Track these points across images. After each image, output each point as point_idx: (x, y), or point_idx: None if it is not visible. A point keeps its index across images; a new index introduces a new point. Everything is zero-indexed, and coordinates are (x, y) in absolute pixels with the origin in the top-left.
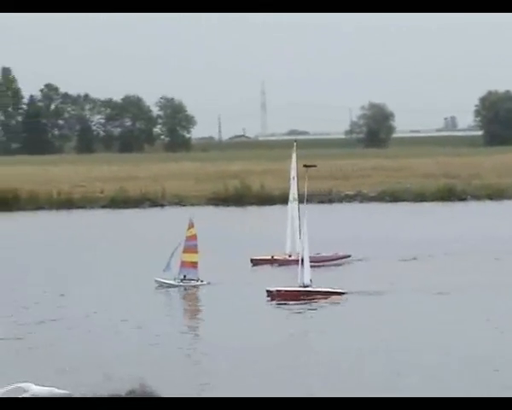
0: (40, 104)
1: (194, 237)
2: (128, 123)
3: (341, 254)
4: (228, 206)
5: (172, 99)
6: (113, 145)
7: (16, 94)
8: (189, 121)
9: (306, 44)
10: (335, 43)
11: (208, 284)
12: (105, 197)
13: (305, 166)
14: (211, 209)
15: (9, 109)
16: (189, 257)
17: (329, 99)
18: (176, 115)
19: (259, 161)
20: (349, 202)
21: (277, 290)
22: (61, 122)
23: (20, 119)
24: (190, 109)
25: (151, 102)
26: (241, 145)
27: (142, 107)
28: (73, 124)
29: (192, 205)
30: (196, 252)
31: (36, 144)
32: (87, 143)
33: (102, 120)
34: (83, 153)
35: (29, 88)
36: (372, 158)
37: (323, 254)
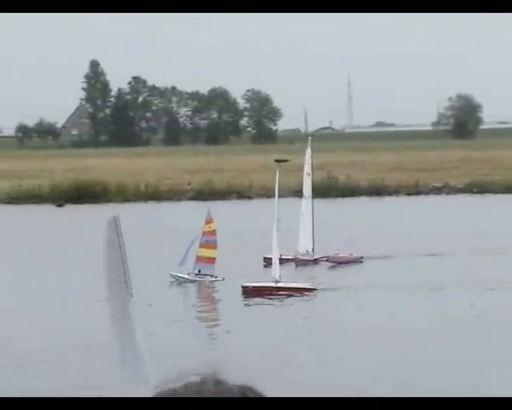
0: (128, 97)
1: (213, 232)
2: (214, 115)
3: (356, 255)
4: (313, 198)
5: (259, 91)
6: (200, 137)
7: (105, 87)
8: (275, 114)
9: (391, 38)
10: (422, 36)
11: (223, 280)
12: (192, 189)
13: (277, 160)
14: (296, 201)
15: (98, 102)
16: (207, 252)
17: (416, 91)
18: (262, 108)
19: (346, 153)
20: (436, 194)
21: (253, 286)
22: (148, 115)
23: (108, 111)
24: (277, 102)
25: (237, 94)
26: (327, 137)
27: (228, 99)
28: (161, 116)
29: (278, 197)
30: (215, 248)
31: (124, 137)
32: (174, 135)
33: (189, 113)
34: (170, 145)
35: (117, 81)
36: (459, 150)
37: (341, 255)
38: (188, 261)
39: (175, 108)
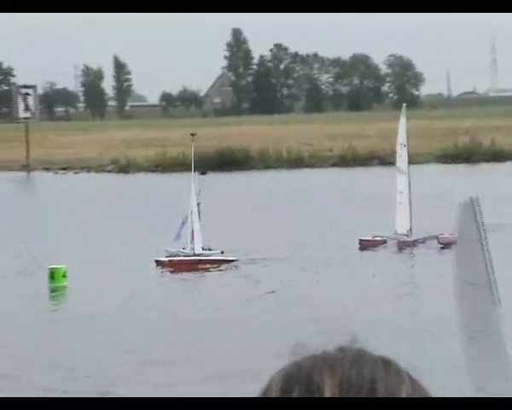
0: (270, 64)
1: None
2: (356, 82)
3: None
4: (457, 163)
5: (401, 57)
6: (342, 104)
7: (247, 55)
8: (417, 79)
9: None
10: None
11: (222, 253)
12: (333, 156)
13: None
14: (439, 167)
15: (240, 70)
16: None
17: None
18: (404, 73)
19: (490, 118)
20: None
21: (169, 260)
22: (290, 82)
23: (250, 79)
24: (419, 67)
25: (379, 60)
26: (471, 102)
27: (370, 65)
28: (302, 83)
29: (420, 163)
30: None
31: (265, 104)
32: (315, 102)
33: (331, 79)
34: (311, 112)
35: (259, 48)
36: None
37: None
38: (182, 236)
39: (316, 75)
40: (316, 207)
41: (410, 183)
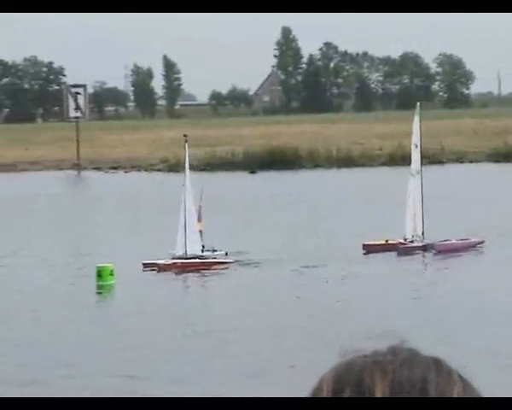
0: (319, 63)
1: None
2: (406, 80)
3: (473, 240)
4: (509, 162)
5: (451, 55)
6: (391, 103)
7: (296, 53)
8: (468, 77)
9: None
10: None
11: (226, 254)
12: (383, 154)
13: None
14: (490, 166)
15: (289, 69)
16: (200, 226)
17: None
18: (455, 71)
19: None
20: None
21: (153, 263)
22: (339, 81)
23: (299, 78)
24: (469, 65)
25: (429, 58)
26: None
27: (420, 64)
28: (352, 82)
29: (471, 162)
30: (200, 221)
31: (315, 103)
32: (365, 101)
33: (380, 78)
34: (361, 111)
35: (309, 47)
36: None
37: (449, 241)
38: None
39: (366, 74)
40: (364, 205)
41: (422, 185)
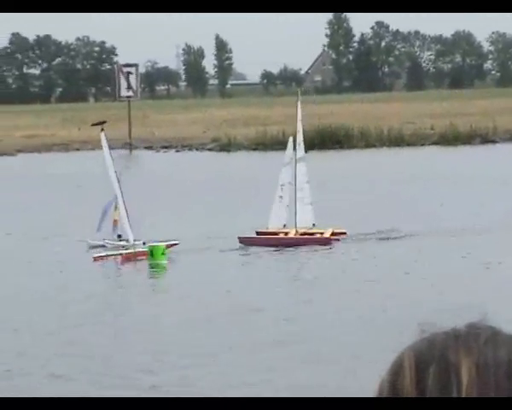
0: (371, 42)
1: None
2: (458, 59)
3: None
4: None
5: (504, 34)
6: (443, 81)
7: (348, 33)
8: None
9: None
10: None
11: (143, 244)
12: (435, 134)
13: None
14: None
15: (341, 48)
16: (115, 214)
17: None
18: (508, 50)
19: None
20: None
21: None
22: (391, 60)
23: (350, 57)
24: None
25: (482, 37)
26: None
27: (472, 42)
28: (403, 61)
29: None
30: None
31: (366, 82)
32: (417, 80)
33: (432, 57)
34: (412, 90)
35: (360, 26)
36: None
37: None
38: (103, 226)
39: (418, 53)
40: (415, 185)
41: (296, 175)
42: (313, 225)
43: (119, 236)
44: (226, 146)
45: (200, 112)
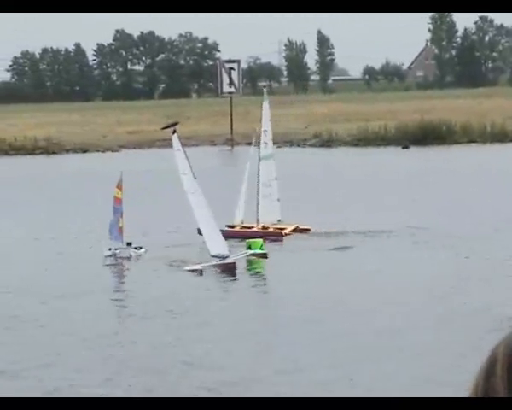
0: (474, 37)
1: (119, 200)
2: None
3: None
4: None
5: None
6: None
7: (451, 27)
8: None
9: None
10: None
11: (146, 251)
12: None
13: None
14: None
15: (443, 43)
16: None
17: None
18: None
19: None
20: None
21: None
22: (495, 55)
23: (453, 52)
24: None
25: None
26: None
27: None
28: (507, 56)
29: None
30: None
31: (469, 77)
32: None
33: None
34: None
35: (464, 21)
36: None
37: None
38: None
39: None
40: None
41: (259, 171)
42: (278, 220)
43: (129, 243)
44: (327, 142)
45: (301, 107)
